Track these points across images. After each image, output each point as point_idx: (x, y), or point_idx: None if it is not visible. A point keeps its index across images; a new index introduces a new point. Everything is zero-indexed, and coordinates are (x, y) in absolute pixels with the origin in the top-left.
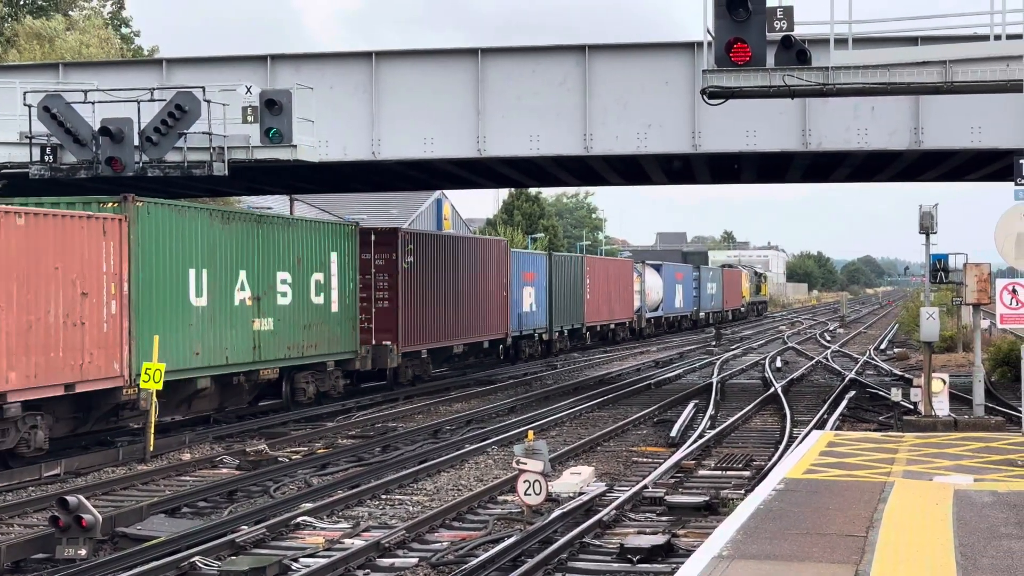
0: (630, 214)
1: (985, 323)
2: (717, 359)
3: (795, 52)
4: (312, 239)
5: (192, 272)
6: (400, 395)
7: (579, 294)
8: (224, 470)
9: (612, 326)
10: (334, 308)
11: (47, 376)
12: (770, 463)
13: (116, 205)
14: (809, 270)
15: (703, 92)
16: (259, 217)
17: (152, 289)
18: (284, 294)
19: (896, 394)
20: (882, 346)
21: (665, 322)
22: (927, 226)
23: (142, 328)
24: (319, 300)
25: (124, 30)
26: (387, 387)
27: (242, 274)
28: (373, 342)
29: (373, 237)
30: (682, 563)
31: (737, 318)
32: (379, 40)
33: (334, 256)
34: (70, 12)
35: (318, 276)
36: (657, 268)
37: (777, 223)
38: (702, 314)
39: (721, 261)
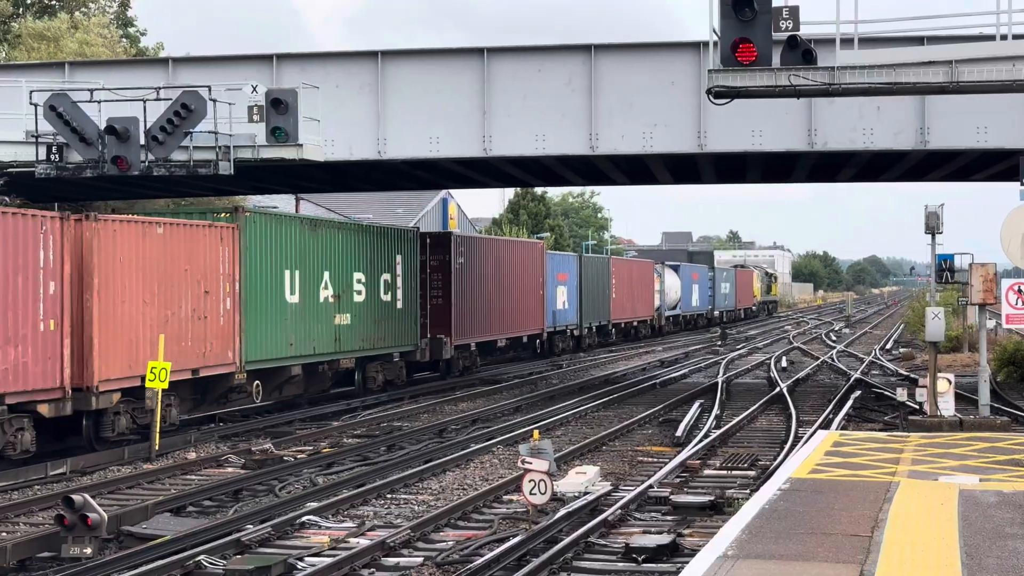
0: (635, 213)
1: (991, 323)
2: (722, 359)
3: (801, 52)
4: (381, 243)
5: (287, 273)
6: (455, 385)
7: (606, 293)
8: (229, 469)
9: (635, 323)
10: (399, 305)
11: (179, 362)
12: (775, 463)
13: (228, 215)
14: (815, 270)
15: (709, 92)
16: (340, 224)
17: (256, 288)
18: (359, 292)
19: (901, 394)
20: (888, 346)
21: (683, 320)
22: (933, 226)
23: (250, 321)
24: (387, 298)
25: (130, 30)
26: (440, 377)
27: (326, 275)
28: (429, 336)
29: (428, 240)
30: (687, 562)
31: (749, 317)
32: (380, 40)
33: (399, 258)
34: (76, 11)
35: (386, 276)
36: (675, 269)
37: (782, 223)
38: (716, 312)
39: (727, 261)
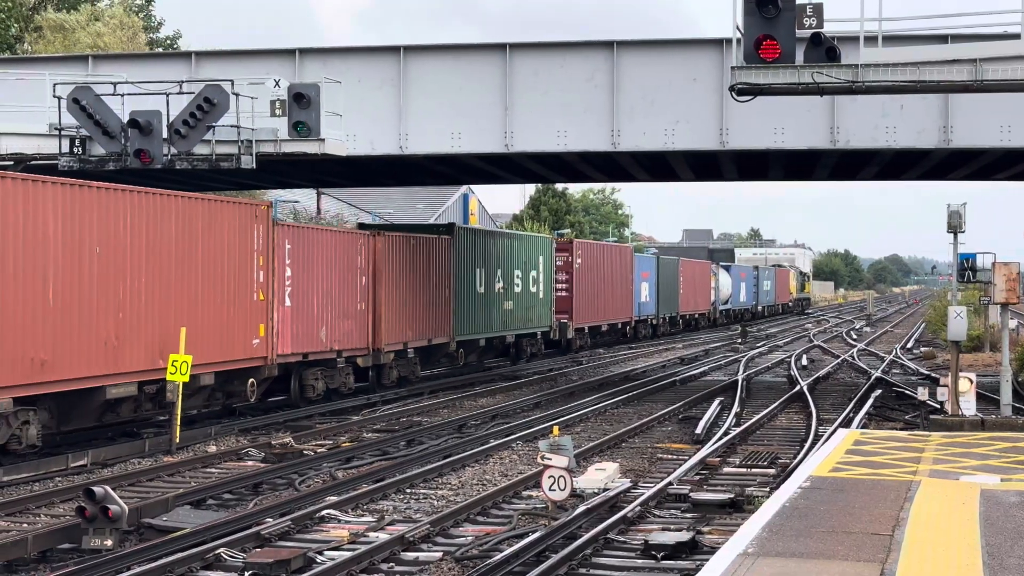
0: (655, 210)
1: (1013, 323)
2: (743, 356)
3: (824, 49)
4: (530, 247)
5: (477, 271)
6: (581, 359)
7: (676, 289)
8: (249, 463)
9: (696, 316)
10: (540, 295)
11: (420, 333)
12: (796, 461)
13: (446, 230)
14: (836, 268)
15: (731, 89)
16: (507, 233)
17: (461, 282)
18: (517, 285)
19: (923, 393)
20: (909, 345)
21: (732, 313)
22: (955, 225)
23: (457, 306)
24: (534, 290)
25: (154, 32)
26: (562, 352)
27: (498, 272)
28: (555, 320)
29: (554, 244)
30: (707, 560)
31: (786, 311)
32: (389, 35)
33: (540, 259)
34: (96, 2)
35: (533, 273)
36: (727, 268)
37: (803, 221)
38: (760, 307)
39: (748, 259)
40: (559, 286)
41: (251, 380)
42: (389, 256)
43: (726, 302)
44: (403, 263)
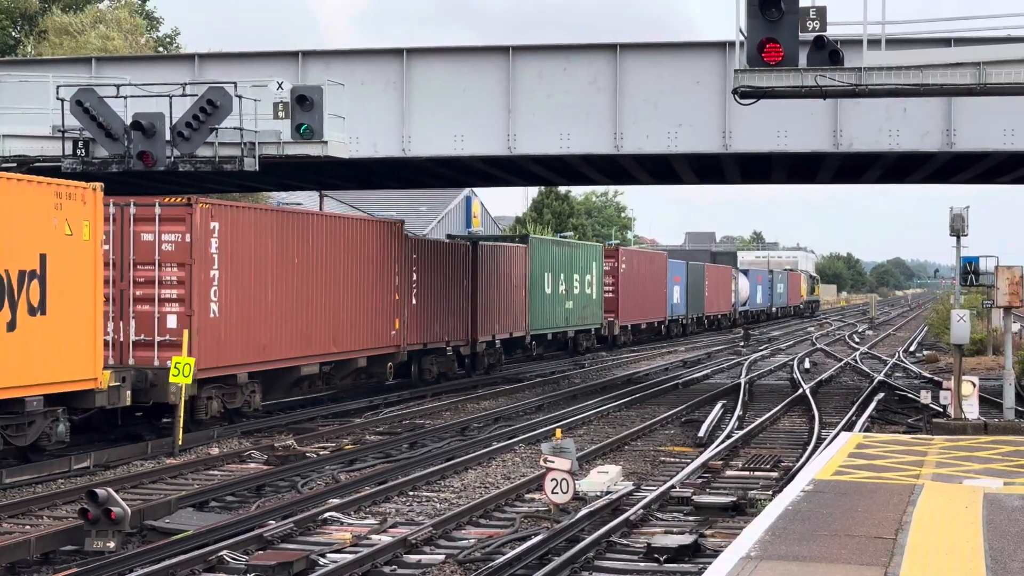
0: (657, 213)
1: (1016, 326)
2: (745, 360)
3: (828, 52)
4: (586, 254)
5: (546, 275)
6: (623, 353)
7: (702, 292)
8: (252, 465)
9: (719, 316)
10: (593, 296)
11: (504, 327)
12: (798, 464)
13: (521, 239)
14: (838, 271)
15: (735, 92)
16: (569, 243)
17: (534, 284)
18: (576, 287)
19: (925, 397)
20: (911, 348)
21: (750, 314)
22: (958, 228)
23: (532, 305)
24: (588, 291)
25: (153, 31)
26: (607, 348)
27: (561, 275)
28: (604, 319)
29: (604, 251)
30: (709, 563)
31: (797, 313)
32: (387, 37)
33: (593, 264)
34: (100, 3)
35: (588, 276)
36: (745, 273)
37: (805, 223)
38: (774, 309)
39: (750, 262)
40: (607, 288)
41: (389, 364)
42: (484, 262)
43: (744, 304)
44: (493, 268)
